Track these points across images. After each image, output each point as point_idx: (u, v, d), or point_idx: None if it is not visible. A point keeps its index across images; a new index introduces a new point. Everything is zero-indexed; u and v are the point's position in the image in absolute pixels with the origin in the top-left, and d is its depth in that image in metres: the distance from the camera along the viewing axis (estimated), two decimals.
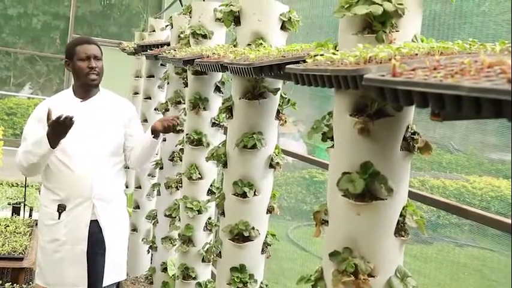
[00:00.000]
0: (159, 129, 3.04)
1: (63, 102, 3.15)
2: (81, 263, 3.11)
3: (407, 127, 1.46)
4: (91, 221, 3.10)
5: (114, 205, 3.22)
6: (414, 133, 1.47)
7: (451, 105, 0.77)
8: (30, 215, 5.36)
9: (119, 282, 3.41)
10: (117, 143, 3.21)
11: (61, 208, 3.07)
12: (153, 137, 3.06)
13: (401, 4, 1.39)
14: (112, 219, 3.19)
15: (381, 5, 1.37)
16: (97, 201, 3.10)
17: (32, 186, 6.56)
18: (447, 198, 2.49)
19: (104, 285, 3.19)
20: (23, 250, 4.06)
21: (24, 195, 5.44)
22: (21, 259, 4.00)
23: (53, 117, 2.80)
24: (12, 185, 6.60)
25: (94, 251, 3.13)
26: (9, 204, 5.52)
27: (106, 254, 3.15)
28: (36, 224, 4.83)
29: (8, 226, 4.58)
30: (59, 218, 3.08)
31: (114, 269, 3.22)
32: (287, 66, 1.47)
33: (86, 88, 3.17)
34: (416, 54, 1.20)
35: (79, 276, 3.12)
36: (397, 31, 1.42)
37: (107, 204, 3.16)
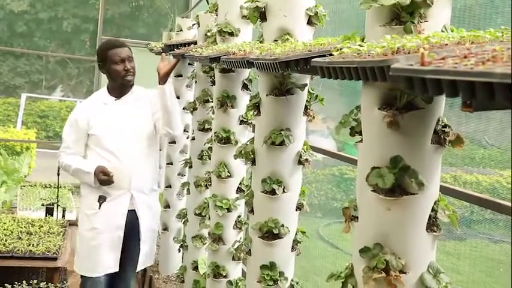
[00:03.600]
0: (160, 73, 3.27)
1: (98, 101, 3.38)
2: (117, 248, 3.34)
3: (438, 120, 1.43)
4: (128, 210, 3.32)
5: (151, 196, 3.45)
6: (445, 126, 1.43)
7: (482, 93, 0.74)
8: (63, 216, 5.44)
9: (145, 269, 3.64)
10: (150, 134, 3.41)
11: (102, 199, 3.28)
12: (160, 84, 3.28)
13: None
14: (148, 209, 3.41)
15: None
16: (136, 192, 3.33)
17: (65, 187, 6.66)
18: (481, 194, 2.43)
19: (137, 271, 3.47)
20: (57, 250, 4.12)
21: (57, 196, 5.52)
22: (55, 259, 4.06)
23: (101, 176, 3.19)
24: (46, 186, 6.70)
25: (129, 238, 3.35)
26: (42, 205, 5.61)
27: (141, 242, 3.37)
28: (70, 225, 4.91)
29: (42, 227, 4.65)
30: (99, 208, 3.25)
31: (146, 255, 3.46)
32: (313, 59, 1.45)
33: (122, 88, 3.39)
34: (446, 44, 1.16)
35: (113, 260, 3.35)
36: (425, 21, 1.39)
37: (145, 196, 3.39)
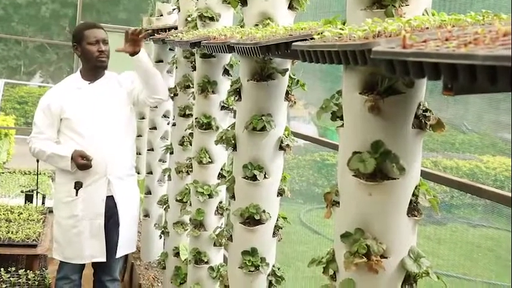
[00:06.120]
0: (127, 51, 3.23)
1: (71, 86, 3.33)
2: (99, 236, 3.30)
3: (419, 104, 1.42)
4: (107, 196, 3.28)
5: (128, 181, 3.41)
6: (426, 110, 1.43)
7: (464, 76, 0.73)
8: (43, 203, 5.38)
9: (127, 255, 3.60)
10: (126, 118, 3.39)
11: (78, 185, 3.23)
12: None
13: None
14: (126, 194, 3.37)
15: None
16: (112, 178, 3.29)
17: (45, 174, 6.59)
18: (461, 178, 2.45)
19: (116, 257, 3.40)
20: (37, 237, 4.08)
21: (37, 182, 5.46)
22: (35, 246, 4.02)
23: (80, 160, 3.14)
24: (25, 173, 6.63)
25: (109, 225, 3.32)
26: (22, 192, 5.54)
27: (119, 228, 3.33)
28: (50, 212, 4.86)
29: (21, 214, 4.60)
30: (76, 195, 3.22)
31: (126, 242, 3.41)
32: (294, 43, 1.43)
33: (94, 71, 3.34)
34: (427, 28, 1.16)
35: (98, 249, 3.32)
36: (407, 5, 1.38)
37: (122, 181, 3.35)
